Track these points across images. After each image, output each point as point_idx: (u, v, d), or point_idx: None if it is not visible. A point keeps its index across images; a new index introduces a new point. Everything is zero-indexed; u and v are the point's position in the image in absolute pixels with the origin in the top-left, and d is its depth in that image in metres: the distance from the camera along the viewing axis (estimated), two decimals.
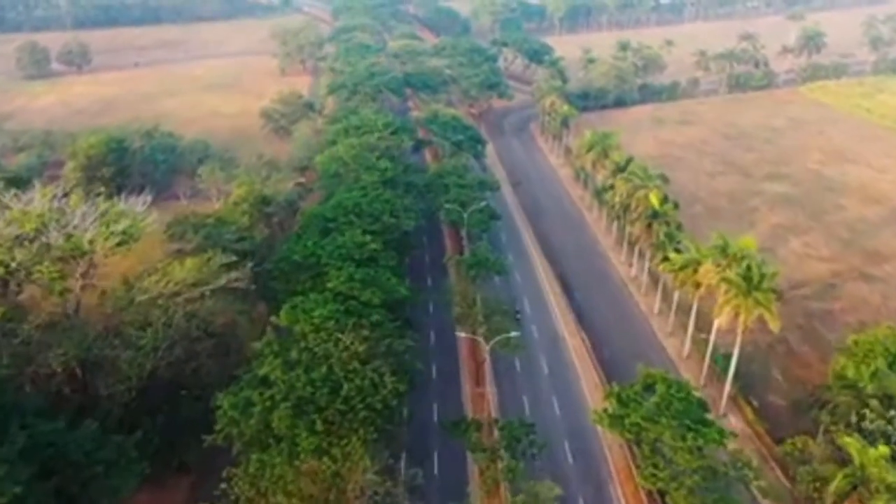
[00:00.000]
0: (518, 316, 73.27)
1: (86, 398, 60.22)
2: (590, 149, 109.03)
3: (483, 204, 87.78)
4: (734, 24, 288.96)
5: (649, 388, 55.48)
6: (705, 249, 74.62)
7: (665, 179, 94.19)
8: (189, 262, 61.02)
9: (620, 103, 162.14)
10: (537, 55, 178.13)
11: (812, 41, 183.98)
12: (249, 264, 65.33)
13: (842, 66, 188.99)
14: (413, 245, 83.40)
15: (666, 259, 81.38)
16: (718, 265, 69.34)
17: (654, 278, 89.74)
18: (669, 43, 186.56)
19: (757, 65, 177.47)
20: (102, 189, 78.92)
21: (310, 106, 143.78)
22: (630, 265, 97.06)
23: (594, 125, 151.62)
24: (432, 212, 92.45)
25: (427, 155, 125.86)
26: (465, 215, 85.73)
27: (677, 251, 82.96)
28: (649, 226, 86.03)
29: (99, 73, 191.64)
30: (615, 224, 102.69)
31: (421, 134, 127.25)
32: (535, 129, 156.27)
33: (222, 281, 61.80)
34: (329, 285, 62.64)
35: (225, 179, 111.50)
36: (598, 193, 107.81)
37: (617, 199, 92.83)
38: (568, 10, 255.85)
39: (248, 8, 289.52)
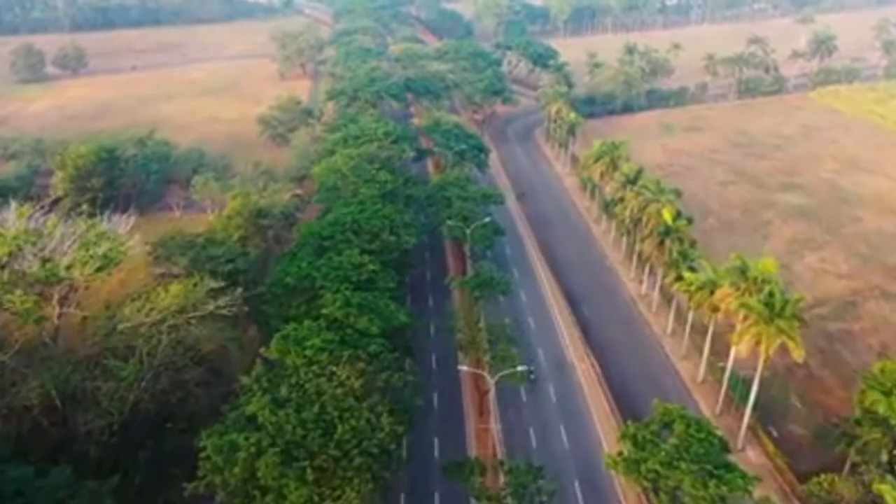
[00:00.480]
0: (532, 375, 68.46)
1: (65, 432, 56.57)
2: (598, 159, 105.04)
3: (487, 220, 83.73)
4: (741, 26, 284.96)
5: (667, 426, 51.58)
6: (722, 270, 70.76)
7: (678, 194, 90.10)
8: (174, 287, 57.21)
9: (627, 109, 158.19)
10: (542, 59, 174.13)
11: (823, 45, 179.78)
12: (239, 289, 61.28)
13: (853, 70, 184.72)
14: (413, 264, 79.49)
15: (679, 278, 77.73)
16: (737, 288, 65.46)
17: (666, 296, 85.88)
18: (677, 47, 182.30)
19: (767, 69, 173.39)
20: (85, 207, 74.69)
21: (308, 112, 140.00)
22: (640, 281, 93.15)
23: (601, 132, 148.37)
24: (434, 227, 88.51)
25: (429, 164, 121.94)
26: (468, 232, 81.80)
27: (691, 270, 79.20)
28: (661, 243, 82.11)
29: (95, 76, 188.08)
30: (624, 238, 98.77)
31: (423, 142, 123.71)
32: (540, 136, 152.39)
33: (210, 307, 57.95)
34: (324, 311, 58.80)
35: (220, 190, 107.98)
36: (607, 206, 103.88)
37: (627, 213, 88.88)
38: (572, 12, 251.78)
39: (248, 10, 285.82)
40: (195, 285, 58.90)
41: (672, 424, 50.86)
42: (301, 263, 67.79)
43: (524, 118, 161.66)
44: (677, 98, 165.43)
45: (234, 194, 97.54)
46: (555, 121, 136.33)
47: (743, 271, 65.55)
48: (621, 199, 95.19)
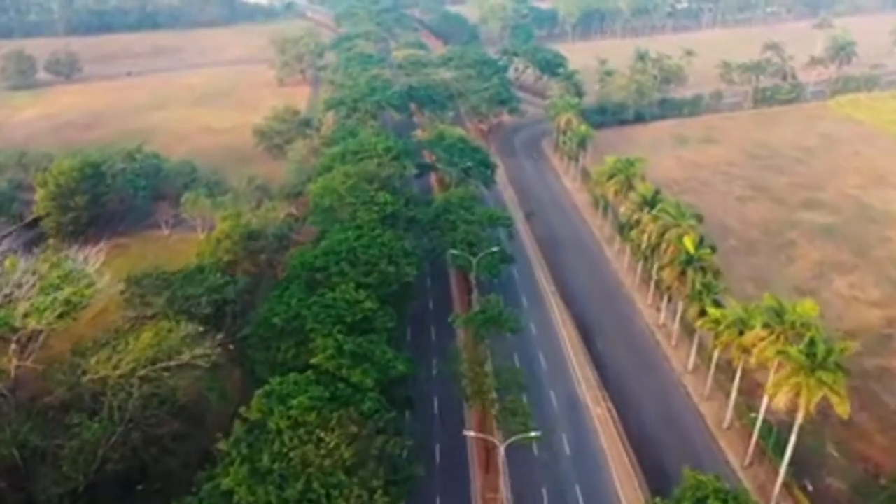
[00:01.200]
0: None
1: (25, 496, 50.70)
2: (611, 177, 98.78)
3: (494, 249, 77.46)
4: (754, 30, 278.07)
5: (699, 502, 45.35)
6: (752, 308, 64.57)
7: (699, 219, 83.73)
8: (146, 335, 51.13)
9: (639, 118, 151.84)
10: (550, 67, 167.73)
11: (843, 51, 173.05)
12: (220, 335, 55.17)
13: (873, 77, 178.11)
14: (414, 297, 73.22)
15: (703, 313, 71.55)
16: (772, 332, 59.17)
17: (687, 328, 79.62)
18: (689, 53, 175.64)
19: (785, 77, 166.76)
20: (51, 240, 68.74)
21: (306, 123, 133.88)
22: (657, 309, 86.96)
23: (612, 143, 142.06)
24: (437, 253, 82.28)
25: (433, 179, 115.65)
26: (475, 262, 75.62)
27: (716, 304, 73.06)
28: (683, 272, 75.88)
29: (89, 82, 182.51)
30: (640, 262, 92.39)
31: (426, 156, 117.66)
32: (548, 147, 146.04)
33: (186, 357, 51.88)
34: (313, 360, 52.75)
35: (211, 207, 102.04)
36: (622, 228, 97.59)
37: (645, 239, 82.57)
38: (581, 16, 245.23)
39: (248, 13, 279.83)
40: (170, 331, 52.82)
41: (706, 501, 44.63)
42: (291, 300, 61.72)
43: (531, 128, 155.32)
44: (691, 107, 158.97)
45: (224, 215, 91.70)
46: (564, 132, 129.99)
47: (779, 314, 59.21)
48: (637, 222, 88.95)
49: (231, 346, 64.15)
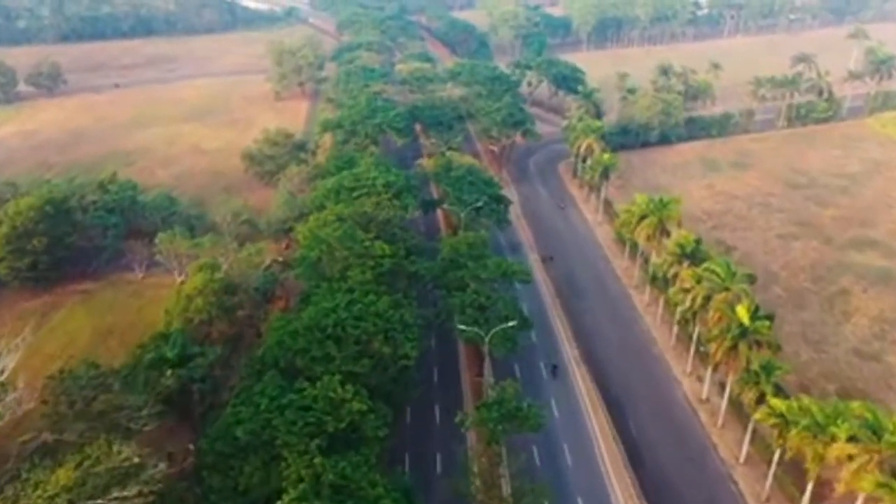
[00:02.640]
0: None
1: None
2: (642, 218, 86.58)
3: (511, 324, 65.28)
4: (777, 37, 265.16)
5: None
6: (831, 409, 52.48)
7: (752, 279, 71.51)
8: (64, 472, 39.16)
9: (664, 140, 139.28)
10: (567, 82, 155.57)
11: (883, 65, 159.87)
12: (162, 465, 43.21)
13: None
14: (416, 383, 61.18)
15: (761, 399, 59.66)
16: (864, 450, 47.00)
17: (735, 403, 67.69)
18: (717, 67, 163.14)
19: (821, 93, 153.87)
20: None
21: (301, 147, 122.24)
22: (699, 379, 74.89)
23: (635, 168, 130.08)
24: (443, 320, 70.10)
25: (439, 215, 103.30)
26: (487, 338, 63.60)
27: (777, 389, 61.07)
28: (734, 346, 63.77)
29: (73, 95, 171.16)
30: (677, 318, 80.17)
31: (431, 185, 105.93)
32: (565, 171, 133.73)
33: (113, 494, 40.03)
34: (282, 502, 40.94)
35: (188, 248, 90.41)
36: (654, 277, 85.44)
37: (687, 302, 70.33)
38: (596, 24, 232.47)
39: (248, 19, 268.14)
40: (99, 460, 40.95)
41: None
42: (260, 403, 49.84)
43: (547, 148, 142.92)
44: (720, 127, 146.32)
45: (198, 265, 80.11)
46: (584, 159, 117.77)
47: (874, 431, 46.95)
48: (675, 277, 76.87)
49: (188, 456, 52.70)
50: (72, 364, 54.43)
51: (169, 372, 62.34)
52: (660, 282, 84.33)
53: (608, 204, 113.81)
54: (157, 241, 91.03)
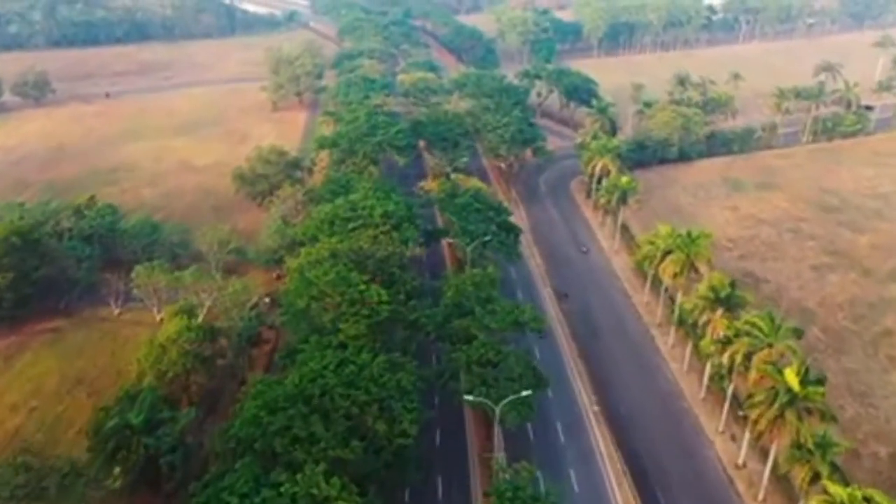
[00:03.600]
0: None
1: None
2: (666, 253, 78.26)
3: (525, 393, 56.93)
4: (795, 43, 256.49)
5: None
6: None
7: (799, 334, 63.06)
8: None
9: (684, 156, 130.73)
10: (579, 94, 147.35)
11: None
12: None
13: None
14: (417, 463, 52.83)
15: (816, 478, 51.62)
16: None
17: (781, 479, 59.37)
18: (737, 76, 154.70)
19: (849, 105, 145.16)
20: None
21: (295, 164, 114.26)
22: (733, 438, 66.67)
23: (652, 187, 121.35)
24: (447, 379, 61.70)
25: (444, 247, 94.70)
26: (498, 410, 55.32)
27: (833, 469, 52.88)
28: (781, 414, 55.47)
29: (61, 105, 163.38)
30: (704, 362, 71.88)
31: (434, 210, 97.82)
32: (578, 190, 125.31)
33: None
34: None
35: (168, 283, 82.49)
36: (682, 322, 77.15)
37: (725, 360, 61.98)
38: (608, 29, 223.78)
39: (248, 23, 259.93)
40: None
41: None
42: (230, 501, 41.74)
43: (558, 164, 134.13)
44: (742, 142, 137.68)
45: (175, 308, 72.26)
46: (598, 180, 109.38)
47: None
48: (707, 325, 68.55)
49: None
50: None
51: (134, 442, 54.87)
52: (687, 325, 76.11)
53: (625, 229, 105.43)
54: (133, 274, 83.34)
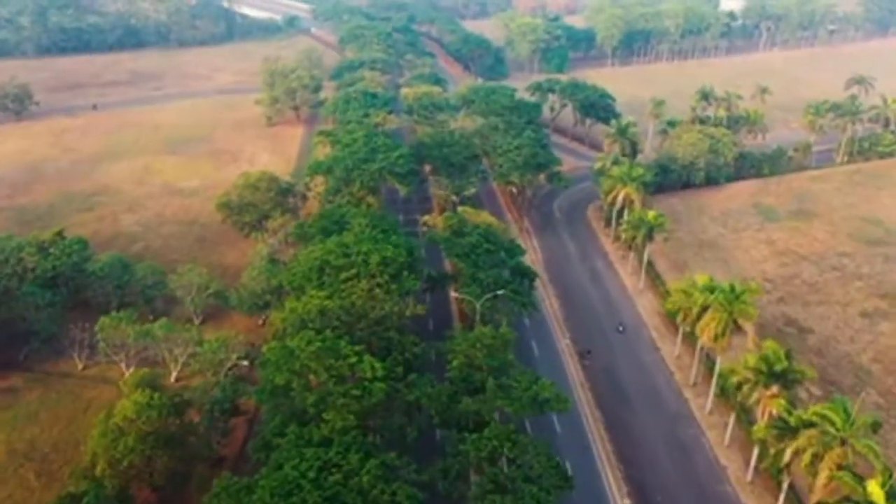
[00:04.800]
0: None
1: None
2: (704, 308, 67.97)
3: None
4: (818, 51, 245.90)
5: None
6: None
7: (876, 427, 52.58)
8: None
9: (711, 180, 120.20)
10: (595, 110, 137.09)
11: None
12: None
13: None
14: None
15: None
16: None
17: None
18: (764, 91, 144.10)
19: (887, 123, 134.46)
20: None
21: (287, 191, 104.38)
22: None
23: (676, 214, 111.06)
24: (452, 479, 51.30)
25: (451, 298, 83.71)
26: None
27: None
28: None
29: (44, 119, 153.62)
30: (751, 438, 61.59)
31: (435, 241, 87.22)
32: (595, 216, 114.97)
33: None
34: None
35: (137, 336, 72.78)
36: (725, 391, 66.82)
37: (786, 457, 51.60)
38: (623, 36, 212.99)
39: (247, 29, 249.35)
40: None
41: None
42: None
43: (573, 187, 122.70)
44: (772, 164, 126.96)
45: (136, 379, 62.39)
46: (620, 209, 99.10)
47: None
48: (758, 404, 58.29)
49: None
50: None
51: None
52: (730, 393, 65.80)
53: (650, 265, 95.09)
54: (97, 327, 73.58)
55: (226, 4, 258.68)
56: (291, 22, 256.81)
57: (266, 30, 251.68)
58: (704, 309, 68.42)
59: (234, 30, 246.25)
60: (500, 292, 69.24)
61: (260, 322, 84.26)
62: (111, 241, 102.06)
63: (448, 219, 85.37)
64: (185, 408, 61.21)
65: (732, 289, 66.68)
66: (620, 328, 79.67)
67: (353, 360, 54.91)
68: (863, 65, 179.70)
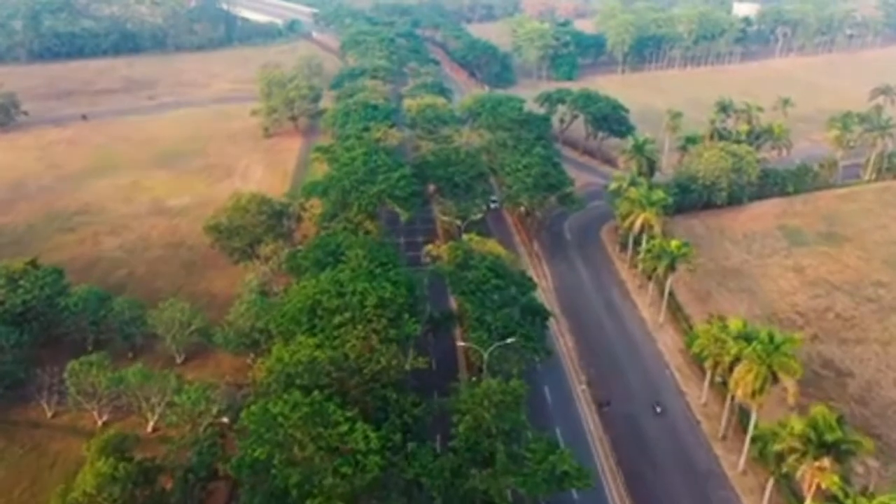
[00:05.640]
0: None
1: None
2: (736, 359, 60.84)
3: None
4: (836, 57, 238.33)
5: None
6: None
7: None
8: None
9: (733, 199, 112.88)
10: (607, 123, 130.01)
11: None
12: None
13: None
14: None
15: None
16: None
17: None
18: (787, 102, 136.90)
19: None
20: None
21: (282, 213, 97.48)
22: None
23: (696, 237, 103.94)
24: None
25: (456, 342, 76.56)
26: None
27: None
28: None
29: (31, 130, 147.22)
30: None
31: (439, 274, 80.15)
32: (609, 239, 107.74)
33: None
34: None
35: (109, 383, 66.08)
36: (762, 453, 59.50)
37: None
38: (634, 42, 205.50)
39: (246, 34, 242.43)
40: None
41: None
42: None
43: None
44: (797, 181, 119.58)
45: (100, 444, 55.38)
46: (637, 234, 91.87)
47: None
48: (805, 477, 51.07)
49: None
50: None
51: None
52: (770, 458, 58.53)
53: (673, 301, 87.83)
54: (66, 374, 66.86)
55: (225, 7, 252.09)
56: (292, 26, 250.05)
57: (266, 34, 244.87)
58: (738, 358, 61.33)
59: (234, 34, 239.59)
60: (509, 340, 62.12)
61: (248, 361, 77.41)
62: (91, 267, 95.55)
63: (453, 249, 78.27)
64: (157, 475, 54.40)
65: (771, 338, 59.48)
66: (658, 408, 71.30)
67: (345, 427, 48.01)
68: (883, 71, 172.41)
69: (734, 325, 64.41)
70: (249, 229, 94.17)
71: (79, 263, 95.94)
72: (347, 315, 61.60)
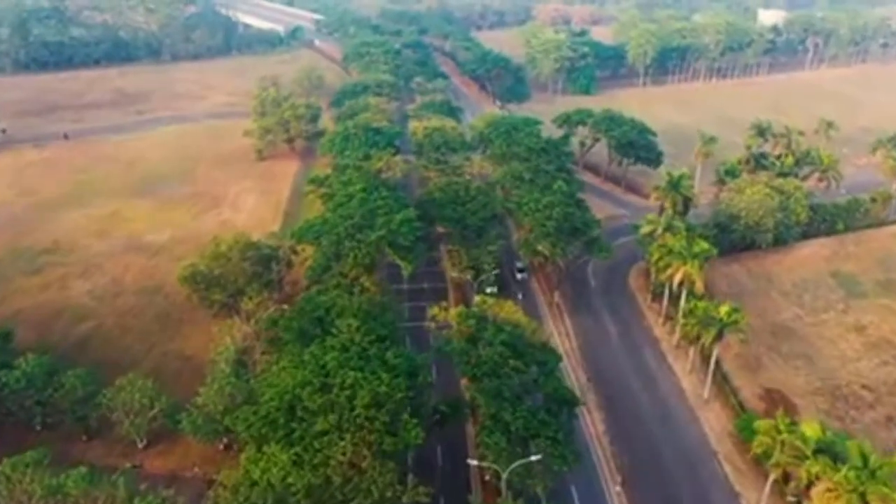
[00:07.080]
0: None
1: None
2: (794, 455, 48.86)
3: None
4: (871, 68, 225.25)
5: None
6: None
7: None
8: None
9: (778, 240, 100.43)
10: (633, 150, 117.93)
11: None
12: None
13: None
14: None
15: None
16: None
17: None
18: (831, 126, 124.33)
19: None
20: None
21: (269, 258, 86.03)
22: None
23: (737, 285, 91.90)
24: None
25: (468, 440, 64.58)
26: None
27: None
28: None
29: (9, 149, 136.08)
30: None
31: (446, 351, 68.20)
32: (638, 286, 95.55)
33: None
34: None
35: (45, 493, 54.51)
36: None
37: None
38: (656, 54, 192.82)
39: (246, 42, 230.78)
40: None
41: None
42: None
43: (609, 242, 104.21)
44: (847, 218, 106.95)
45: None
46: (676, 288, 79.59)
47: None
48: None
49: None
50: None
51: None
52: None
53: (719, 371, 75.47)
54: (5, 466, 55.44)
55: (224, 12, 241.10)
56: (294, 34, 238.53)
57: (267, 42, 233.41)
58: (818, 476, 49.25)
59: (233, 42, 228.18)
60: (534, 458, 50.11)
61: (221, 446, 65.98)
62: (54, 319, 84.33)
63: (463, 318, 66.27)
64: None
65: (865, 462, 47.22)
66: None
67: None
68: None
69: (810, 430, 52.29)
70: (231, 279, 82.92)
71: (40, 314, 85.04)
72: (333, 418, 50.05)
